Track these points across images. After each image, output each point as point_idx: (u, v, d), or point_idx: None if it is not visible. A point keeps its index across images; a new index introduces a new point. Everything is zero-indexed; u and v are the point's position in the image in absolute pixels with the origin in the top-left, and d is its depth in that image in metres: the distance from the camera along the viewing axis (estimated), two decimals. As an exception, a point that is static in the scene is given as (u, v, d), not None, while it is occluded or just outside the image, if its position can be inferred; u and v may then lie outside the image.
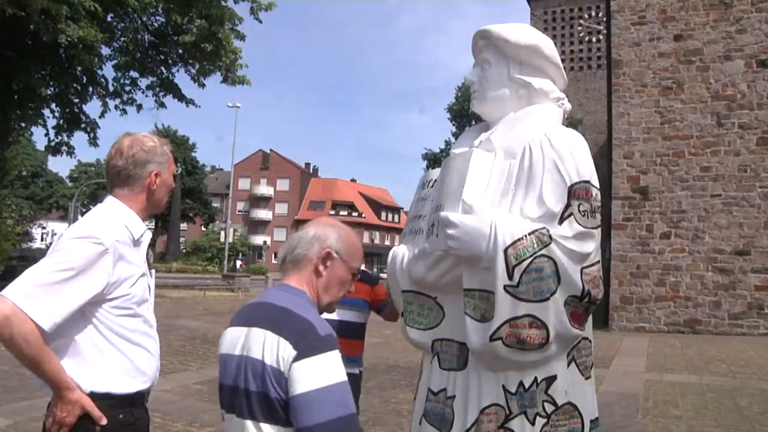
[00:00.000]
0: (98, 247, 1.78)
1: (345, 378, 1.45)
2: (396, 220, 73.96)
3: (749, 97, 13.45)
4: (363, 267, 3.61)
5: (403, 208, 73.40)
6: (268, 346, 1.46)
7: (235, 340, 1.56)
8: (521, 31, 2.35)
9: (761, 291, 12.98)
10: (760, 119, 13.33)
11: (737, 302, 13.13)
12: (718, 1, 13.75)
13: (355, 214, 66.94)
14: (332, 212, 64.86)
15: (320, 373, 1.41)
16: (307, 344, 1.43)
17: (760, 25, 13.48)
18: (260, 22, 17.61)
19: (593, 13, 33.30)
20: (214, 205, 61.90)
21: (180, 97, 18.56)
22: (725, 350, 10.64)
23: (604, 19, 20.91)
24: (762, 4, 13.48)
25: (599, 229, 2.10)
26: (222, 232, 45.58)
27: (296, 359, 1.42)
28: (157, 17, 17.56)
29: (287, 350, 1.43)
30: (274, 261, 54.13)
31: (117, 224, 1.90)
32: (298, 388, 1.40)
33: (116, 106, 18.02)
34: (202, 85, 18.43)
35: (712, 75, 13.74)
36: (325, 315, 3.28)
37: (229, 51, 16.97)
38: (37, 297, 1.66)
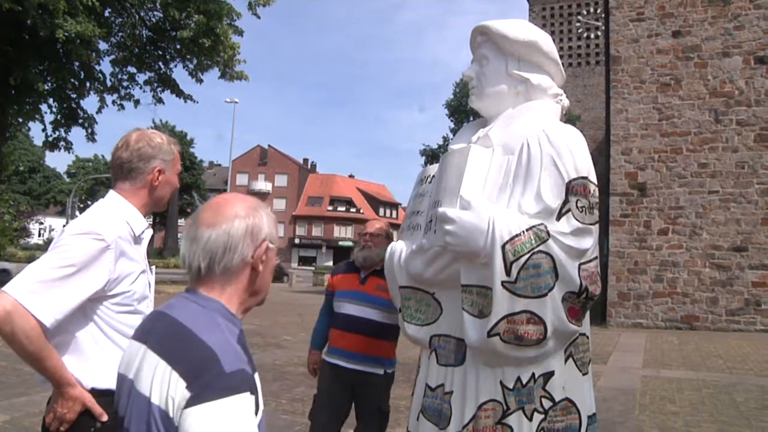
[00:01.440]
0: (99, 243, 1.78)
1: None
2: (394, 215, 73.86)
3: (747, 94, 13.45)
4: None
5: (401, 204, 73.33)
6: (157, 380, 1.11)
7: (132, 357, 1.22)
8: (519, 27, 2.35)
9: (758, 287, 13.00)
10: (758, 116, 13.33)
11: (734, 298, 13.16)
12: (717, -3, 13.76)
13: (353, 209, 66.90)
14: (330, 208, 64.85)
15: (221, 425, 1.03)
16: (206, 384, 1.05)
17: (758, 22, 13.47)
18: (258, 17, 17.54)
19: (591, 10, 33.30)
20: (212, 200, 61.67)
21: (178, 92, 18.49)
22: (722, 346, 10.66)
23: (603, 15, 20.89)
24: (760, 0, 13.47)
25: (597, 225, 2.10)
26: (220, 228, 45.41)
27: (190, 403, 1.04)
28: (155, 12, 17.46)
29: (179, 390, 1.07)
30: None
31: (118, 220, 1.89)
32: None
33: (114, 102, 17.93)
34: (200, 81, 18.37)
35: (710, 71, 13.73)
36: (348, 310, 3.19)
37: (227, 46, 16.89)
38: (38, 293, 1.66)
